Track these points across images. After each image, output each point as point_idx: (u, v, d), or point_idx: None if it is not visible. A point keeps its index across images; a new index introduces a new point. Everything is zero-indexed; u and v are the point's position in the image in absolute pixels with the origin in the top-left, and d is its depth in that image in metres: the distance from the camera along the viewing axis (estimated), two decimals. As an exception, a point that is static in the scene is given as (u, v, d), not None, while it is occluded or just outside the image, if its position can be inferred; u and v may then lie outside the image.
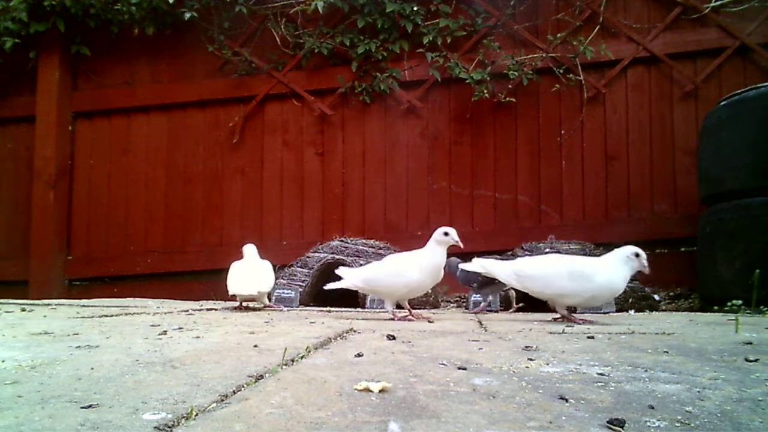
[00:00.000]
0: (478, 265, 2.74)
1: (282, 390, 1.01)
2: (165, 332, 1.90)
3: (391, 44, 4.66)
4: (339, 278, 2.83)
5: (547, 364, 1.30)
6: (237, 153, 4.99)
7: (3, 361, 1.30)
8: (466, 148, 4.68)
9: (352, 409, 0.89)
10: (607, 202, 4.46)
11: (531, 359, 1.36)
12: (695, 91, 4.33)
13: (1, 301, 3.85)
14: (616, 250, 2.50)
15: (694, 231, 3.86)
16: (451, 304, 4.26)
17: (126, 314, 2.79)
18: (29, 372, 1.18)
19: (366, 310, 3.46)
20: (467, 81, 4.42)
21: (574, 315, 2.61)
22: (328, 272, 3.89)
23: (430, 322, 2.49)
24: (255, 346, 1.55)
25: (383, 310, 3.40)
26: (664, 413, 0.89)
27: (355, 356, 1.38)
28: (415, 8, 4.57)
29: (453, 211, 4.65)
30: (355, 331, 2.00)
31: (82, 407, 0.89)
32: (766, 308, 2.91)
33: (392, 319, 2.62)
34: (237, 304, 3.39)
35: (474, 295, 3.56)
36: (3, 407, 0.89)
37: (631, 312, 3.28)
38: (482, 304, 3.38)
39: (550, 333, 1.99)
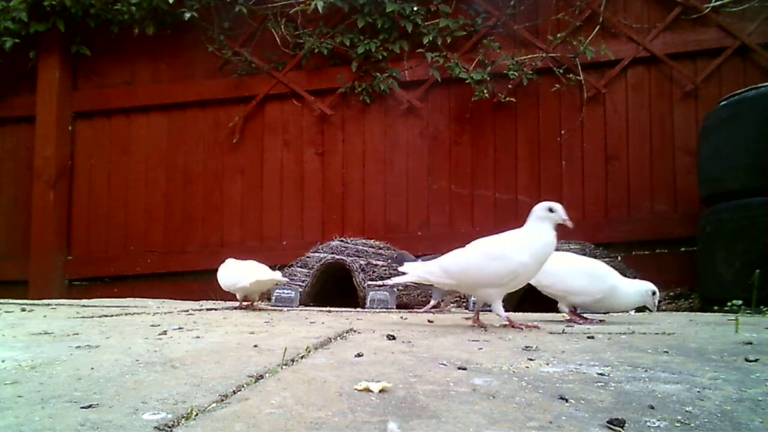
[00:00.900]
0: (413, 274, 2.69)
1: (282, 390, 1.01)
2: (165, 332, 1.90)
3: (391, 44, 4.66)
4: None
5: (547, 364, 1.30)
6: (237, 153, 4.99)
7: (3, 361, 1.30)
8: (466, 148, 4.68)
9: (352, 409, 0.89)
10: (607, 202, 4.45)
11: (531, 359, 1.36)
12: (695, 91, 4.33)
13: (1, 301, 3.85)
14: (531, 212, 2.25)
15: (694, 231, 3.87)
16: (451, 304, 4.26)
17: (126, 314, 2.78)
18: (29, 372, 1.18)
19: (366, 310, 3.45)
20: (467, 81, 4.42)
21: (576, 315, 2.60)
22: (329, 272, 3.90)
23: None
24: (255, 346, 1.55)
25: (383, 310, 3.40)
26: (664, 413, 0.89)
27: (355, 356, 1.38)
28: (415, 8, 4.57)
29: (453, 211, 4.65)
30: (355, 331, 2.00)
31: (82, 407, 0.89)
32: (766, 308, 2.91)
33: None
34: (236, 303, 3.39)
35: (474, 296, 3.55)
36: (3, 407, 0.89)
37: (631, 312, 3.28)
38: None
39: (550, 333, 1.99)
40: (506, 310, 3.54)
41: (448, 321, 2.58)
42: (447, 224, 4.65)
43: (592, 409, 0.91)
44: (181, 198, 5.07)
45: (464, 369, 1.23)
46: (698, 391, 1.03)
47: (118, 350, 1.48)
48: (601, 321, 2.53)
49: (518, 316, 2.97)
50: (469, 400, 0.96)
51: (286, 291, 3.76)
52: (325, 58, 4.82)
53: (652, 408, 0.92)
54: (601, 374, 1.18)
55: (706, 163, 3.67)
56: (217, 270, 3.41)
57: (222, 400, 0.95)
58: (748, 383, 1.11)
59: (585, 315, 2.65)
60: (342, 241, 4.01)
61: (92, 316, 2.60)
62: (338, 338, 1.80)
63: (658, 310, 3.61)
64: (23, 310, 3.06)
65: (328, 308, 3.46)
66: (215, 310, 3.19)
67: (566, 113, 4.55)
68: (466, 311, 3.56)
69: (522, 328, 2.08)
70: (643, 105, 4.45)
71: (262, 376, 1.14)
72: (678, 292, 4.14)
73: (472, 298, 3.59)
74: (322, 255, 3.90)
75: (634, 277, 3.61)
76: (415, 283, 2.93)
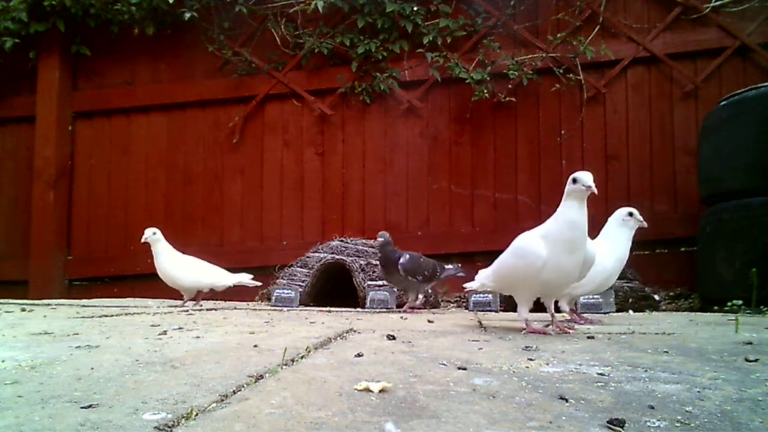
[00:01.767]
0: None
1: (282, 390, 1.01)
2: (165, 332, 1.90)
3: (391, 44, 4.66)
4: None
5: (547, 364, 1.30)
6: (237, 153, 4.99)
7: (3, 361, 1.30)
8: (466, 148, 4.68)
9: (352, 409, 0.89)
10: (607, 201, 4.45)
11: (531, 359, 1.36)
12: (695, 91, 4.33)
13: (1, 301, 3.85)
14: (609, 219, 2.33)
15: (694, 231, 3.86)
16: (451, 304, 4.26)
17: (126, 314, 2.79)
18: (29, 372, 1.18)
19: (366, 310, 3.45)
20: (467, 81, 4.42)
21: (576, 315, 2.60)
22: (329, 272, 3.90)
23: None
24: (255, 346, 1.55)
25: (383, 310, 3.40)
26: (664, 413, 0.89)
27: (355, 356, 1.38)
28: (415, 8, 4.57)
29: (453, 211, 4.65)
30: (355, 331, 2.00)
31: (82, 407, 0.89)
32: (766, 308, 2.91)
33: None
34: (237, 303, 3.39)
35: (474, 296, 3.56)
36: (3, 407, 0.89)
37: (631, 312, 3.28)
38: (421, 297, 3.37)
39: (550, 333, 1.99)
40: (504, 310, 3.53)
41: (448, 321, 2.58)
42: (447, 224, 4.65)
43: (592, 409, 0.91)
44: (181, 198, 5.07)
45: (464, 369, 1.23)
46: (698, 391, 1.03)
47: (118, 350, 1.48)
48: (600, 321, 2.53)
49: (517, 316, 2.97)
50: (469, 400, 0.96)
51: (286, 291, 3.77)
52: (325, 58, 4.82)
53: (652, 408, 0.92)
54: (601, 374, 1.18)
55: (706, 163, 3.67)
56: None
57: (222, 400, 0.95)
58: (748, 383, 1.11)
59: (585, 315, 2.65)
60: (342, 241, 4.01)
61: (92, 316, 2.60)
62: (338, 338, 1.80)
63: (659, 310, 3.61)
64: (23, 310, 3.06)
65: (328, 308, 3.47)
66: (215, 310, 3.19)
67: (566, 113, 4.55)
68: (466, 311, 3.56)
69: (547, 333, 1.89)
70: (643, 105, 4.45)
71: (262, 376, 1.14)
72: (678, 292, 4.14)
73: (472, 298, 3.59)
74: (322, 255, 3.90)
75: (634, 278, 3.63)
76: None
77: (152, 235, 3.46)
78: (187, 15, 4.74)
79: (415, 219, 4.70)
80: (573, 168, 4.49)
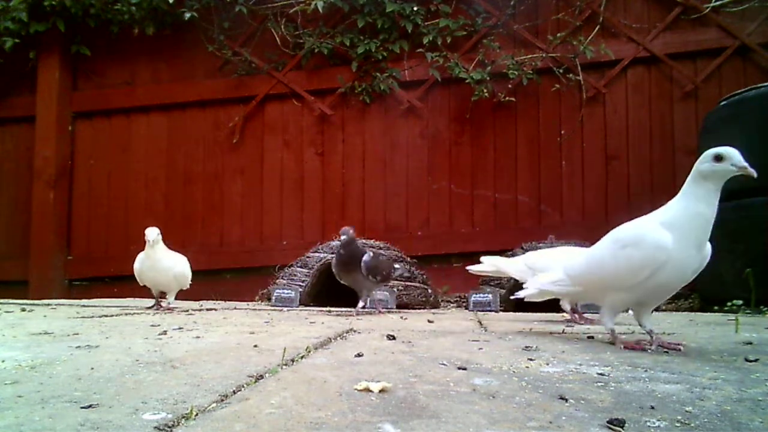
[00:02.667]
0: (490, 263, 2.67)
1: (282, 390, 1.01)
2: (165, 332, 1.90)
3: (391, 44, 4.66)
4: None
5: (547, 364, 1.30)
6: (237, 153, 4.99)
7: (3, 361, 1.30)
8: (465, 148, 4.68)
9: (352, 409, 0.89)
10: (607, 202, 4.45)
11: (531, 359, 1.36)
12: (695, 91, 4.33)
13: (1, 301, 3.85)
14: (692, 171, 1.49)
15: (694, 231, 3.85)
16: (451, 304, 4.26)
17: (126, 314, 2.79)
18: (29, 372, 1.18)
19: (366, 310, 3.45)
20: (467, 81, 4.42)
21: (577, 314, 2.58)
22: (329, 272, 3.89)
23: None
24: (255, 346, 1.55)
25: (383, 310, 3.40)
26: (664, 413, 0.89)
27: (355, 356, 1.38)
28: (415, 8, 4.57)
29: (453, 211, 4.65)
30: (355, 331, 2.00)
31: (82, 407, 0.89)
32: (766, 308, 2.91)
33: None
34: (236, 304, 3.38)
35: (474, 295, 3.56)
36: (3, 407, 0.89)
37: (631, 312, 3.28)
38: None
39: (550, 333, 1.99)
40: (504, 310, 3.53)
41: (448, 321, 2.58)
42: (447, 224, 4.65)
43: (592, 409, 0.91)
44: (181, 198, 5.07)
45: (464, 369, 1.23)
46: (698, 391, 1.03)
47: (118, 350, 1.48)
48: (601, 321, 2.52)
49: (519, 316, 2.97)
50: (469, 400, 0.96)
51: (286, 291, 3.76)
52: (325, 58, 4.82)
53: (652, 408, 0.92)
54: (601, 374, 1.18)
55: (706, 163, 3.66)
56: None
57: (222, 400, 0.95)
58: (748, 383, 1.11)
59: (585, 315, 2.65)
60: (342, 241, 4.01)
61: (92, 316, 2.60)
62: (338, 338, 1.80)
63: (659, 310, 3.61)
64: (23, 310, 3.06)
65: (328, 308, 3.46)
66: (215, 310, 3.19)
67: (566, 113, 4.56)
68: (466, 311, 3.56)
69: (644, 349, 1.50)
70: (643, 105, 4.46)
71: (262, 376, 1.14)
72: (678, 292, 4.13)
73: (472, 298, 3.58)
74: (322, 255, 3.89)
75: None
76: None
77: (157, 235, 3.22)
78: (187, 15, 4.75)
79: (415, 219, 4.70)
80: (573, 168, 4.54)
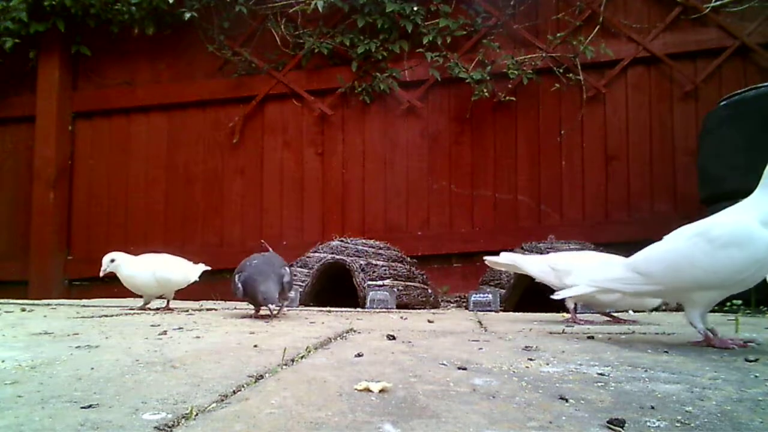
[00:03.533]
0: (508, 258, 2.65)
1: (282, 390, 1.01)
2: (165, 332, 1.90)
3: (391, 44, 4.66)
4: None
5: (547, 364, 1.30)
6: (237, 153, 4.99)
7: (3, 361, 1.30)
8: (466, 148, 4.68)
9: (352, 409, 0.89)
10: (607, 202, 4.45)
11: (531, 359, 1.36)
12: (695, 91, 4.33)
13: (1, 301, 3.85)
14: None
15: (694, 231, 3.86)
16: (451, 304, 4.26)
17: (126, 314, 2.79)
18: (29, 372, 1.18)
19: (366, 310, 3.45)
20: (467, 81, 4.42)
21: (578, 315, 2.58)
22: (329, 272, 3.90)
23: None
24: (255, 346, 1.55)
25: (383, 310, 3.40)
26: (664, 413, 0.89)
27: (355, 356, 1.38)
28: (415, 8, 4.57)
29: (453, 211, 4.65)
30: (355, 331, 2.00)
31: (82, 407, 0.89)
32: (766, 308, 2.91)
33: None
34: (237, 304, 3.38)
35: (474, 295, 3.56)
36: (3, 407, 0.89)
37: (631, 312, 3.28)
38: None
39: (550, 333, 1.99)
40: (504, 310, 3.53)
41: (448, 321, 2.59)
42: (447, 224, 4.65)
43: (592, 409, 0.91)
44: (181, 198, 5.07)
45: (464, 369, 1.23)
46: (698, 391, 1.03)
47: (118, 350, 1.48)
48: (600, 321, 2.53)
49: (519, 316, 2.97)
50: (469, 400, 0.96)
51: (286, 291, 3.76)
52: (325, 58, 4.82)
53: (653, 408, 0.92)
54: (601, 374, 1.18)
55: (706, 163, 3.67)
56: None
57: (222, 400, 0.95)
58: (748, 383, 1.11)
59: (585, 315, 2.65)
60: (342, 241, 4.01)
61: (92, 316, 2.60)
62: (338, 338, 1.80)
63: (659, 310, 3.60)
64: (23, 310, 3.06)
65: (328, 308, 3.46)
66: (215, 310, 3.19)
67: (566, 113, 4.56)
68: (466, 311, 3.56)
69: (731, 347, 1.53)
70: (643, 105, 4.46)
71: (262, 376, 1.14)
72: (678, 293, 4.13)
73: (472, 298, 3.59)
74: (322, 255, 3.90)
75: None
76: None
77: (110, 262, 3.14)
78: (187, 15, 4.75)
79: (415, 219, 4.70)
80: (573, 168, 4.54)
